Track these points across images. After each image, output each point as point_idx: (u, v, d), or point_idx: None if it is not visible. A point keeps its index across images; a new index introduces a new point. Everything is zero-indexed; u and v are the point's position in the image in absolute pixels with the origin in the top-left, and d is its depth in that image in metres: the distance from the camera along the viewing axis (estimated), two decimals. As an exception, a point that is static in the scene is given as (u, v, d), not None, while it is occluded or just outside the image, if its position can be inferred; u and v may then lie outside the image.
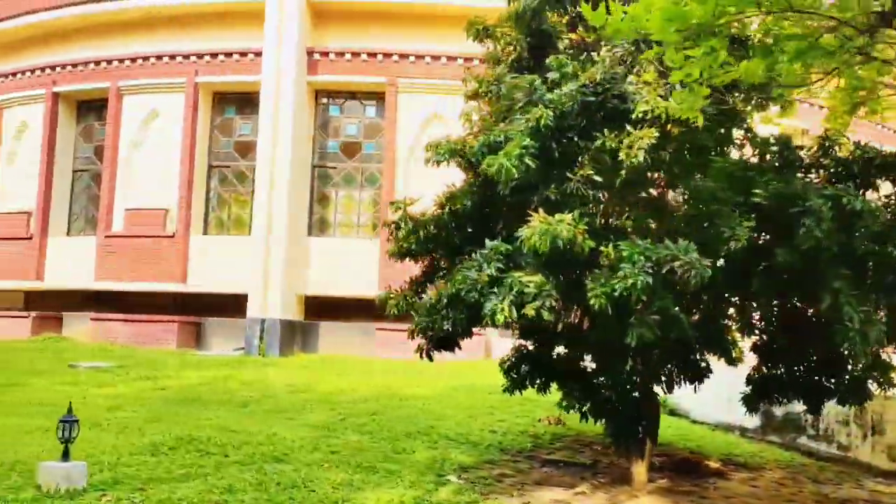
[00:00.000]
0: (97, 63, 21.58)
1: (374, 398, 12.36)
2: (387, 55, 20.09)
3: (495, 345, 17.55)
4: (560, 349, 8.73)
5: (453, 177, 8.71)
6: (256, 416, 10.92)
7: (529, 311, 6.54)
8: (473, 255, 7.28)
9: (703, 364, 8.71)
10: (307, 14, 20.20)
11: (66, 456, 6.58)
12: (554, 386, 8.77)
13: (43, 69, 22.36)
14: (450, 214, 8.22)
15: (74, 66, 21.88)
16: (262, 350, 18.73)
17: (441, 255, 8.60)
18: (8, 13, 22.95)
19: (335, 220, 20.87)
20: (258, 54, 20.36)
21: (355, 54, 20.16)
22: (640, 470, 8.42)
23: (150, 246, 20.46)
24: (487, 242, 7.25)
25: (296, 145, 19.74)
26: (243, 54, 20.56)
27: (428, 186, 9.50)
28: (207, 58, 20.66)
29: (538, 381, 8.71)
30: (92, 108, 22.65)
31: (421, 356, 8.44)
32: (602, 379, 8.48)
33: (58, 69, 22.15)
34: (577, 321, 7.77)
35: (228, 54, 20.59)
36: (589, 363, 8.80)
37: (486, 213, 8.17)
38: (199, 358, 17.66)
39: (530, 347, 8.84)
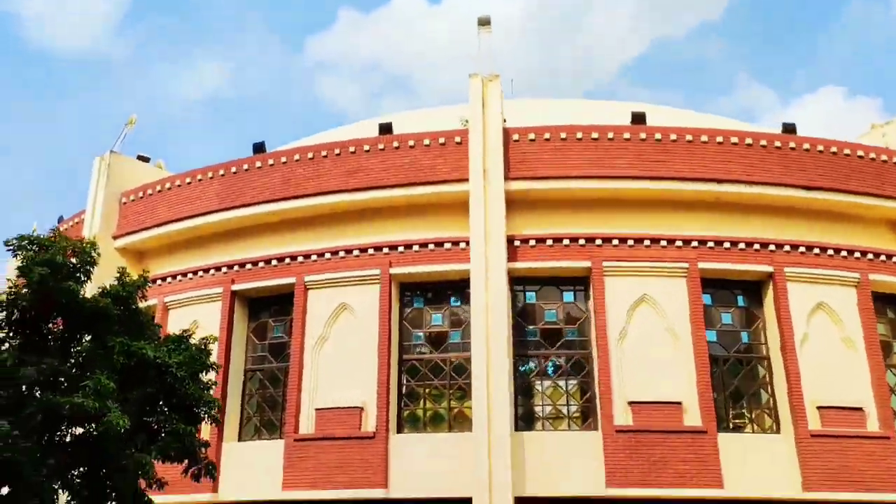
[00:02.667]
0: (280, 259, 21.20)
1: None
2: (590, 239, 19.73)
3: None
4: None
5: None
6: None
7: None
8: None
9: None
10: (505, 202, 20.01)
11: None
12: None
13: (219, 268, 21.96)
14: None
15: (255, 263, 21.49)
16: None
17: None
18: (180, 214, 22.99)
19: (542, 412, 19.43)
20: (455, 243, 20.06)
21: (557, 239, 19.78)
22: None
23: (345, 448, 18.87)
24: None
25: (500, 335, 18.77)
26: (438, 244, 20.20)
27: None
28: (402, 248, 20.29)
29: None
30: (264, 306, 22.02)
31: None
32: None
33: (235, 267, 21.74)
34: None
35: (424, 244, 20.22)
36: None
37: None
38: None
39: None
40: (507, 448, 17.50)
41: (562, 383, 19.70)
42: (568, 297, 20.33)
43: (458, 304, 20.51)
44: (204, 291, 21.79)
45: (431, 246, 20.20)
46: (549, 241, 19.84)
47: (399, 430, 19.40)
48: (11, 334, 11.31)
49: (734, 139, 20.65)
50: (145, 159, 26.52)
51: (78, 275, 11.78)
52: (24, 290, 11.31)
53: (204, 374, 12.48)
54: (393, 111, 36.16)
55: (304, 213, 21.44)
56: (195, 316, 21.79)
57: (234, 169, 22.46)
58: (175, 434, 11.67)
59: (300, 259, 20.98)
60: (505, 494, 17.13)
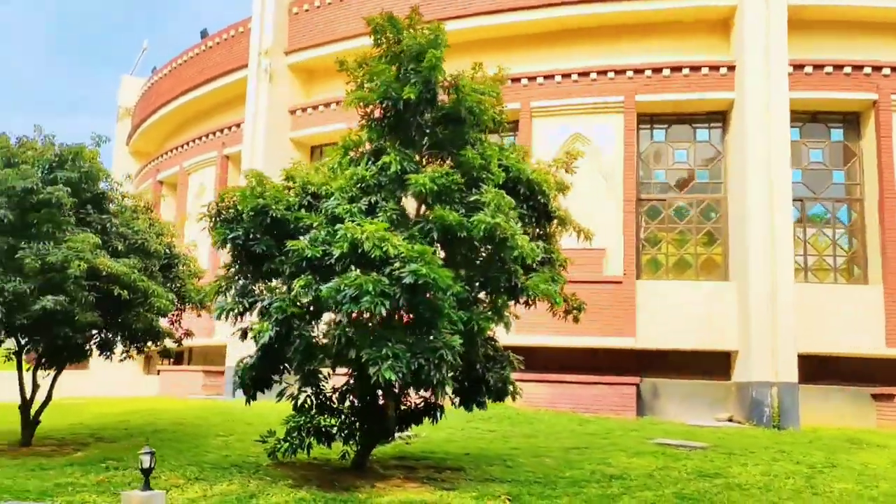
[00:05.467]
0: (498, 81, 18.58)
1: None
2: (876, 68, 16.94)
3: None
4: None
5: None
6: None
7: None
8: None
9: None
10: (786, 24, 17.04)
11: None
12: None
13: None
14: None
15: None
16: (775, 420, 15.16)
17: None
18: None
19: (805, 263, 17.44)
20: (713, 68, 17.36)
21: (837, 67, 17.00)
22: None
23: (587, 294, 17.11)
24: None
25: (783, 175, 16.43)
26: (695, 68, 17.49)
27: None
28: (648, 73, 17.61)
29: None
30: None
31: None
32: None
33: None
34: None
35: (677, 68, 17.52)
36: None
37: None
38: (721, 430, 14.13)
39: None
40: (790, 299, 15.65)
41: (828, 233, 17.58)
42: (836, 135, 17.82)
43: (707, 139, 18.11)
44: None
45: (687, 70, 17.49)
46: (829, 69, 17.06)
47: (639, 277, 17.60)
48: (382, 139, 9.18)
49: None
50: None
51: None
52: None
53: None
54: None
55: (528, 29, 18.65)
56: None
57: (438, -26, 19.45)
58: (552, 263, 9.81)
59: (524, 82, 18.40)
60: (788, 349, 15.46)
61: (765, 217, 15.87)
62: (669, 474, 9.87)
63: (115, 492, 8.27)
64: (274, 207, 8.75)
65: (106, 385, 23.30)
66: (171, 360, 13.33)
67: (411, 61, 9.12)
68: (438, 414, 10.13)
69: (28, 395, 11.98)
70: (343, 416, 10.01)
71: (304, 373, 9.34)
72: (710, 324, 16.60)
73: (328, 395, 10.09)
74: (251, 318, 9.12)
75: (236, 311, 8.92)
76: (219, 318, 8.90)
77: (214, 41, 24.60)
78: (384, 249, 7.84)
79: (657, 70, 17.56)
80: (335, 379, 9.92)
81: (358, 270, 7.89)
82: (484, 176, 9.11)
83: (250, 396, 9.33)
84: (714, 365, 17.07)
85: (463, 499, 8.33)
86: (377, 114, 9.33)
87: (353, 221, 8.27)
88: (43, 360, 11.75)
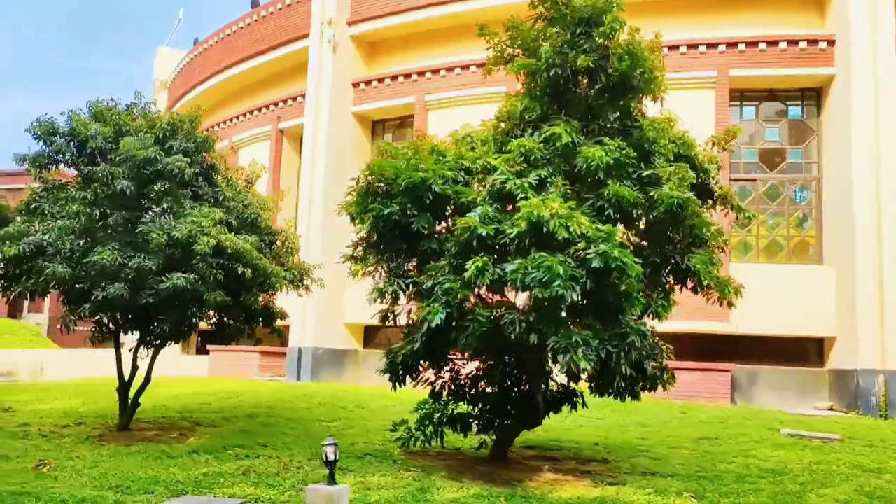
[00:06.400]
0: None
1: None
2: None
3: None
4: None
5: None
6: None
7: None
8: None
9: None
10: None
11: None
12: None
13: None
14: None
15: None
16: (882, 409, 14.63)
17: None
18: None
19: None
20: (812, 42, 16.64)
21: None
22: None
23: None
24: None
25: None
26: (793, 42, 16.76)
27: None
28: (741, 47, 16.90)
29: None
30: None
31: None
32: None
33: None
34: None
35: (774, 42, 16.81)
36: None
37: None
38: (833, 420, 13.60)
39: None
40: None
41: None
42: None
43: (801, 116, 17.44)
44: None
45: (784, 45, 16.77)
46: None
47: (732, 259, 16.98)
48: (542, 109, 8.51)
49: None
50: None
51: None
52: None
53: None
54: None
55: None
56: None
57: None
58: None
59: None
60: None
61: (871, 199, 15.23)
62: (831, 468, 9.35)
63: (262, 483, 7.73)
64: (435, 182, 8.09)
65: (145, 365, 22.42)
66: (256, 341, 12.65)
67: (579, 25, 8.46)
68: (580, 402, 9.58)
69: (126, 377, 11.42)
70: (482, 404, 9.47)
71: (437, 359, 8.80)
72: (803, 309, 16.03)
73: (462, 381, 9.56)
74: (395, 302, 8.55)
75: (388, 292, 8.31)
76: (376, 300, 8.30)
77: (268, 10, 23.78)
78: (571, 230, 7.23)
79: (752, 44, 16.85)
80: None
81: (541, 252, 7.28)
82: (654, 150, 8.48)
83: (399, 382, 8.77)
84: (805, 352, 16.54)
85: (640, 495, 7.79)
86: (540, 82, 8.64)
87: (524, 198, 7.66)
88: (148, 340, 11.14)
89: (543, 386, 9.22)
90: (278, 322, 11.57)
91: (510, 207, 8.10)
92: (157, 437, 10.71)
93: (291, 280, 11.70)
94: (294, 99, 22.25)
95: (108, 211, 9.83)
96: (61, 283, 9.36)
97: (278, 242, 12.15)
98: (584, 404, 9.55)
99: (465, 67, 18.98)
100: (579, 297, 7.14)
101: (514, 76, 8.96)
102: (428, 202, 8.18)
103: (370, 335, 20.75)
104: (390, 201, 8.24)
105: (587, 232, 7.28)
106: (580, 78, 8.70)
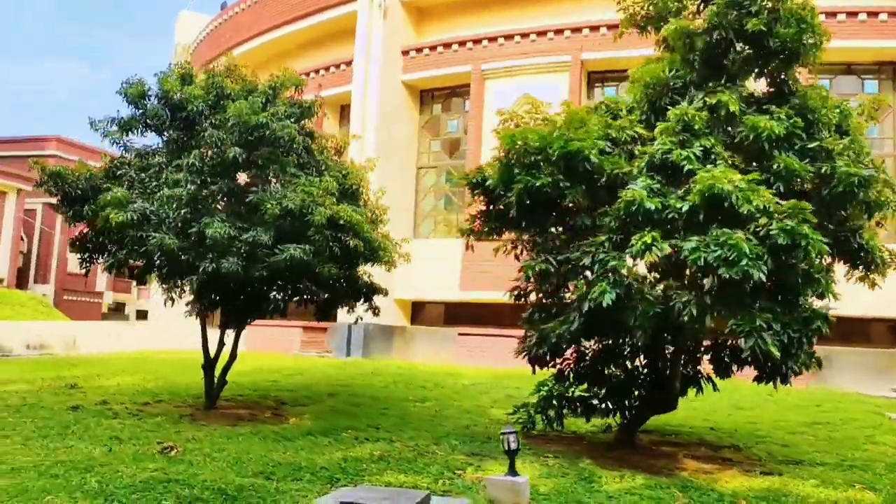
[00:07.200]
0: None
1: None
2: None
3: None
4: None
5: None
6: None
7: None
8: None
9: None
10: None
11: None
12: None
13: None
14: None
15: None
16: None
17: None
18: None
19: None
20: (893, 14, 16.07)
21: None
22: None
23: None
24: None
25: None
26: (872, 14, 16.20)
27: None
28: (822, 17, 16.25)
29: None
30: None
31: None
32: None
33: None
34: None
35: (853, 13, 16.21)
36: None
37: None
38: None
39: None
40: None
41: None
42: None
43: (877, 91, 16.91)
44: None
45: (864, 16, 16.21)
46: None
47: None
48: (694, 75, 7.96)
49: None
50: None
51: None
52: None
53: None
54: None
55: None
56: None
57: None
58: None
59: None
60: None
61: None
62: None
63: (409, 469, 7.25)
64: (591, 152, 7.54)
65: (173, 339, 21.54)
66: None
67: (745, -15, 7.88)
68: (710, 384, 9.15)
69: (213, 353, 10.89)
70: (607, 387, 9.04)
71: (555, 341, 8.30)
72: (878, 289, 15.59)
73: (587, 363, 9.11)
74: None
75: (537, 269, 7.78)
76: (528, 278, 7.79)
77: (308, -26, 22.93)
78: (754, 204, 6.73)
79: (831, 14, 16.23)
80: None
81: (720, 228, 6.78)
82: (817, 119, 7.97)
83: (539, 364, 8.30)
84: (879, 333, 16.20)
85: (808, 487, 7.37)
86: (699, 45, 8.08)
87: (690, 170, 7.15)
88: (233, 317, 10.60)
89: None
90: (375, 299, 11.01)
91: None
92: (252, 416, 10.22)
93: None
94: (337, 66, 21.52)
95: (208, 179, 9.25)
96: (167, 255, 8.78)
97: (367, 214, 11.62)
98: (714, 388, 9.14)
99: (525, 35, 18.33)
100: (764, 277, 6.65)
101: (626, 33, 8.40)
102: (580, 174, 7.65)
103: (416, 311, 20.28)
104: (538, 172, 7.70)
105: (769, 206, 6.78)
106: (738, 43, 8.14)
